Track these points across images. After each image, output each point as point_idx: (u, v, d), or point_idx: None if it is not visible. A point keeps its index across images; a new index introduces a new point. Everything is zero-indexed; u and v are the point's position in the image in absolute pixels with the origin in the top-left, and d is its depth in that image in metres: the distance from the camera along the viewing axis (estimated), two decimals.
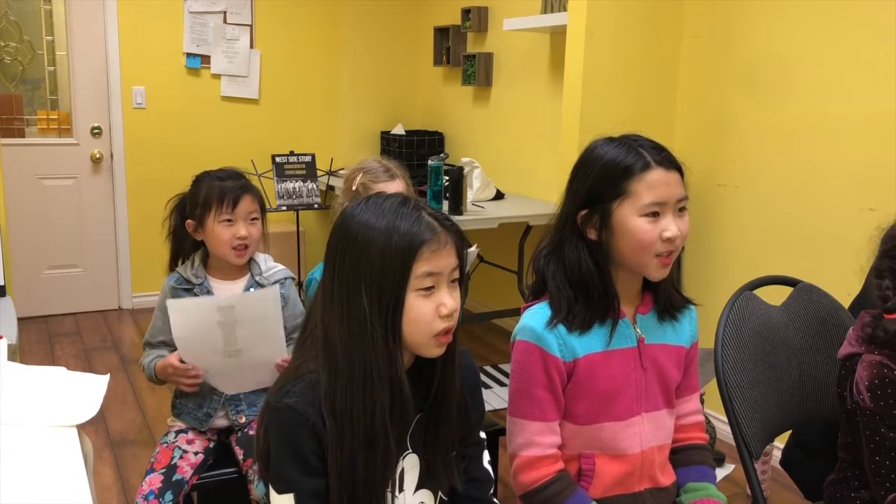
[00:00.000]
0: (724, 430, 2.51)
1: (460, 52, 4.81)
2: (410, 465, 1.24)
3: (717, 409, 1.69)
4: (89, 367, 3.94)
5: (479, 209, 3.81)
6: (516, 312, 4.08)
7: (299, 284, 4.04)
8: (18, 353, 2.21)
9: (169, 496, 1.82)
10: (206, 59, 4.91)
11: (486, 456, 1.37)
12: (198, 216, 1.96)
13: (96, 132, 4.76)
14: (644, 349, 1.44)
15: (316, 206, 4.35)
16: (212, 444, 2.02)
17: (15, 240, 4.05)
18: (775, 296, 1.81)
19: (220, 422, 2.03)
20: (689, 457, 1.54)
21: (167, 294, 2.00)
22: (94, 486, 1.35)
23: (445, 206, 3.65)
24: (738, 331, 1.67)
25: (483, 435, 1.37)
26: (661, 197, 1.34)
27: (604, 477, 1.43)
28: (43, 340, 4.37)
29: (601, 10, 3.08)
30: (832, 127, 2.74)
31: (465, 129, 4.95)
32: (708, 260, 3.23)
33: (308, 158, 4.34)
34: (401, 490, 1.24)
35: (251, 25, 4.99)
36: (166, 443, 1.97)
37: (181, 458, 1.92)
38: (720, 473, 2.74)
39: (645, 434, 1.45)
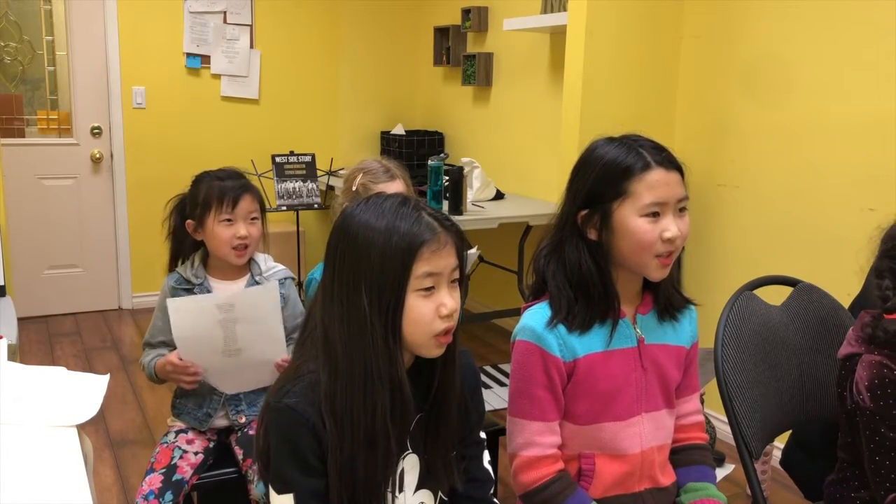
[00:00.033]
0: (724, 430, 2.51)
1: (460, 52, 4.81)
2: (410, 466, 1.24)
3: (717, 409, 1.70)
4: (89, 367, 3.94)
5: (479, 209, 3.81)
6: (516, 312, 4.08)
7: (299, 284, 4.04)
8: (18, 353, 2.21)
9: (169, 496, 1.82)
10: (206, 59, 4.91)
11: (486, 456, 1.37)
12: (198, 216, 1.96)
13: (96, 132, 4.76)
14: (644, 349, 1.44)
15: (316, 206, 4.35)
16: (212, 444, 2.02)
17: (15, 240, 4.05)
18: (775, 296, 1.81)
19: (220, 422, 2.03)
20: (689, 457, 1.54)
21: (167, 294, 1.99)
22: (94, 486, 1.35)
23: (445, 206, 3.65)
24: (738, 331, 1.67)
25: (483, 435, 1.37)
26: (662, 197, 1.34)
27: (604, 477, 1.43)
28: (43, 340, 4.37)
29: (601, 10, 3.08)
30: (832, 127, 2.74)
31: (465, 129, 4.95)
32: (708, 260, 3.23)
33: (308, 158, 4.34)
34: (401, 490, 1.24)
35: (251, 25, 4.99)
36: (166, 443, 1.97)
37: (181, 458, 1.92)
38: (720, 473, 2.74)
39: (645, 434, 1.45)
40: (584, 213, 1.39)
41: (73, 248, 4.81)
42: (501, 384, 3.77)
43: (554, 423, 1.41)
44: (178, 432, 2.01)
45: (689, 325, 1.52)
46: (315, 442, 1.14)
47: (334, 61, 5.25)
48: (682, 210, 1.38)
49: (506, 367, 3.99)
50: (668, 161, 1.36)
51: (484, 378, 3.82)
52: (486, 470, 1.36)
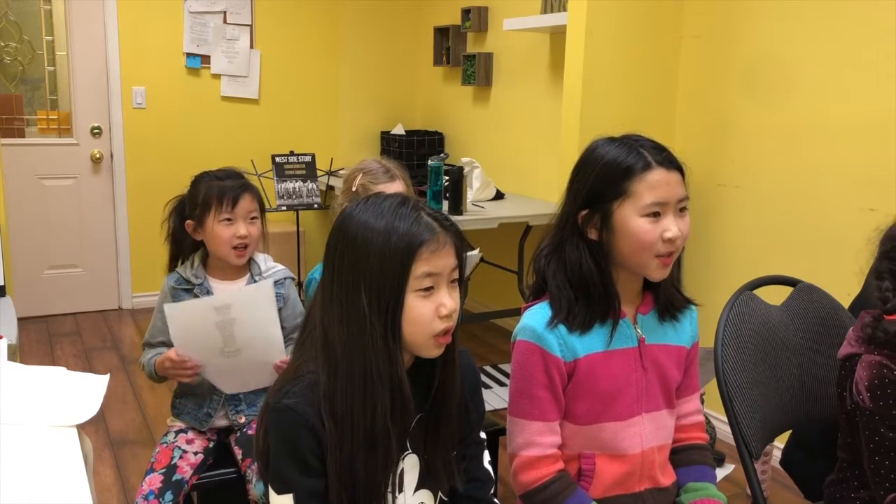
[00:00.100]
0: (724, 430, 2.51)
1: (460, 52, 4.81)
2: (410, 466, 1.24)
3: (717, 409, 1.70)
4: (89, 367, 3.94)
5: (479, 209, 3.81)
6: (516, 312, 4.08)
7: (299, 284, 4.04)
8: (18, 353, 2.21)
9: (169, 496, 1.82)
10: (206, 59, 4.91)
11: (486, 456, 1.37)
12: (197, 216, 1.96)
13: (96, 132, 4.76)
14: (645, 349, 1.44)
15: (316, 206, 4.35)
16: (211, 444, 2.02)
17: (15, 240, 4.05)
18: (775, 296, 1.81)
19: (220, 422, 2.03)
20: (689, 457, 1.54)
21: (167, 294, 2.00)
22: (94, 486, 1.35)
23: (445, 206, 3.65)
24: (738, 331, 1.67)
25: (483, 435, 1.37)
26: (662, 197, 1.34)
27: (604, 477, 1.43)
28: (43, 340, 4.37)
29: (601, 10, 3.08)
30: (832, 127, 2.74)
31: (465, 129, 4.95)
32: (708, 260, 3.23)
33: (308, 158, 4.34)
34: (400, 490, 1.24)
35: (251, 25, 5.00)
36: (166, 443, 1.97)
37: (181, 458, 1.92)
38: (720, 473, 2.74)
39: (645, 434, 1.45)
40: (584, 213, 1.39)
41: (73, 248, 4.81)
42: (501, 384, 3.77)
43: (554, 423, 1.41)
44: (177, 432, 2.01)
45: (689, 325, 1.52)
46: (315, 442, 1.14)
47: (334, 61, 5.25)
48: (682, 210, 1.38)
49: (506, 367, 3.99)
50: (669, 161, 1.36)
51: (484, 378, 3.82)
52: (487, 470, 1.36)
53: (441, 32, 4.99)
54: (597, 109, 3.13)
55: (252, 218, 1.98)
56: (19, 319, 2.50)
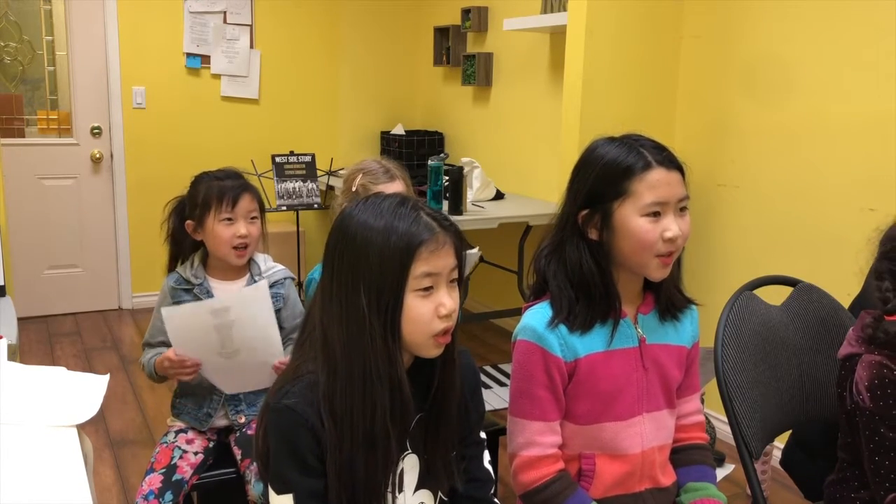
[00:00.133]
0: (724, 430, 2.51)
1: (460, 52, 4.81)
2: (410, 466, 1.24)
3: (717, 409, 1.70)
4: (89, 367, 3.94)
5: (479, 209, 3.81)
6: (516, 312, 4.08)
7: (299, 284, 4.04)
8: (18, 353, 2.21)
9: (169, 496, 1.82)
10: (206, 59, 4.91)
11: (486, 456, 1.37)
12: (197, 216, 1.96)
13: (96, 132, 4.76)
14: (645, 349, 1.44)
15: (316, 206, 4.35)
16: (211, 444, 2.02)
17: (15, 240, 4.05)
18: (775, 296, 1.81)
19: (220, 421, 2.03)
20: (689, 457, 1.54)
21: (166, 294, 2.00)
22: (94, 486, 1.35)
23: (445, 206, 3.65)
24: (738, 331, 1.67)
25: (483, 435, 1.37)
26: (663, 197, 1.34)
27: (604, 477, 1.43)
28: (43, 340, 4.37)
29: (601, 10, 3.08)
30: (832, 127, 2.74)
31: (465, 129, 4.95)
32: (708, 260, 3.23)
33: (308, 158, 4.34)
34: (400, 490, 1.24)
35: (251, 25, 5.00)
36: (166, 443, 1.97)
37: (181, 457, 1.92)
38: (720, 473, 2.74)
39: (646, 434, 1.45)
40: (584, 212, 1.39)
41: (73, 248, 4.81)
42: (501, 384, 3.77)
43: (554, 422, 1.41)
44: (177, 432, 2.01)
45: (690, 325, 1.52)
46: (314, 442, 1.14)
47: (334, 61, 5.25)
48: (682, 210, 1.38)
49: (506, 367, 3.99)
50: (669, 160, 1.36)
51: (484, 378, 3.82)
52: (487, 470, 1.36)
53: (441, 32, 4.99)
54: (597, 109, 3.13)
55: (252, 218, 1.98)
56: (19, 319, 2.51)
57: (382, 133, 5.28)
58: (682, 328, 1.50)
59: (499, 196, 4.14)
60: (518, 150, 4.45)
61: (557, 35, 3.99)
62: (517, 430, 1.42)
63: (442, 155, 3.98)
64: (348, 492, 1.15)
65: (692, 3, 3.25)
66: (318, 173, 4.40)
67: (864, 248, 1.55)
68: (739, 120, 3.09)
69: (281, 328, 2.01)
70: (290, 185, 4.29)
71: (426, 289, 1.14)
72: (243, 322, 1.77)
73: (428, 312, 1.14)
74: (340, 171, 4.69)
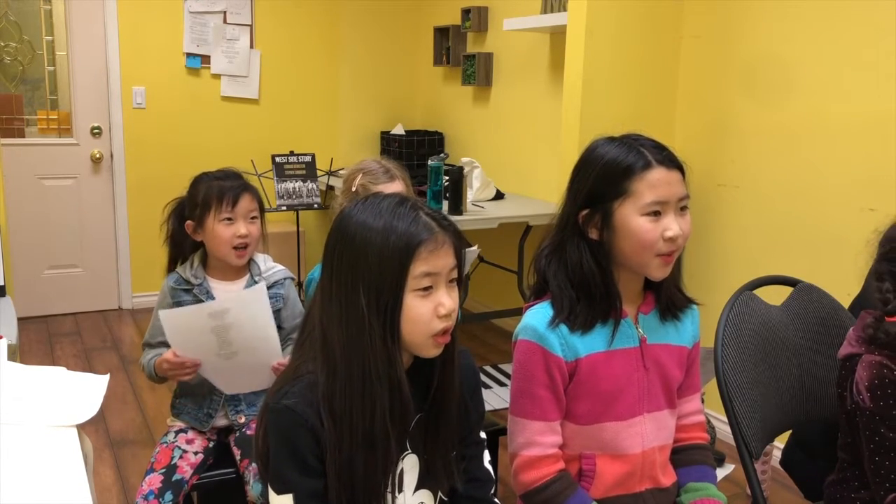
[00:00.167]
0: (724, 430, 2.51)
1: (460, 52, 4.81)
2: (410, 466, 1.24)
3: (717, 409, 1.70)
4: (89, 367, 3.94)
5: (479, 209, 3.81)
6: (516, 312, 4.09)
7: (299, 285, 4.04)
8: (18, 353, 2.21)
9: (169, 496, 1.82)
10: (206, 59, 4.91)
11: (486, 456, 1.37)
12: (197, 216, 1.95)
13: (96, 132, 4.76)
14: (646, 349, 1.44)
15: (316, 206, 4.35)
16: (211, 444, 2.02)
17: (15, 240, 4.05)
18: (775, 296, 1.81)
19: (220, 421, 2.03)
20: (689, 457, 1.54)
21: (166, 294, 2.00)
22: (94, 486, 1.35)
23: (445, 206, 3.65)
24: (738, 331, 1.67)
25: (483, 435, 1.37)
26: (663, 196, 1.34)
27: (604, 477, 1.43)
28: (43, 340, 4.37)
29: (601, 10, 3.08)
30: (832, 127, 2.74)
31: (465, 129, 4.95)
32: (708, 260, 3.23)
33: (308, 158, 4.34)
34: (400, 490, 1.24)
35: (251, 25, 5.00)
36: (166, 443, 1.97)
37: (181, 457, 1.92)
38: (720, 473, 2.74)
39: (647, 434, 1.45)
40: (585, 212, 1.39)
41: (73, 248, 4.81)
42: (501, 384, 3.77)
43: (555, 422, 1.41)
44: (177, 432, 2.01)
45: (690, 325, 1.52)
46: (314, 442, 1.14)
47: (334, 61, 5.25)
48: (683, 209, 1.38)
49: (506, 367, 3.99)
50: (669, 160, 1.36)
51: (484, 378, 3.82)
52: (487, 470, 1.36)
53: (441, 32, 4.99)
54: (597, 109, 3.13)
55: (252, 217, 1.97)
56: (19, 319, 2.51)
57: (382, 133, 5.28)
58: (682, 328, 1.50)
59: (499, 196, 4.14)
60: (518, 150, 4.45)
61: (557, 35, 3.99)
62: (518, 430, 1.42)
63: (442, 155, 3.98)
64: (348, 492, 1.15)
65: (692, 3, 3.25)
66: (318, 173, 4.40)
67: (864, 249, 1.55)
68: (739, 120, 3.09)
69: (281, 328, 2.01)
70: (290, 185, 4.29)
71: (425, 288, 1.14)
72: (241, 324, 1.77)
73: (427, 312, 1.14)
74: (340, 171, 4.69)
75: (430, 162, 3.64)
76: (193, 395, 2.01)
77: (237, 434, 2.02)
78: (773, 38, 2.93)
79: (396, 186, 2.02)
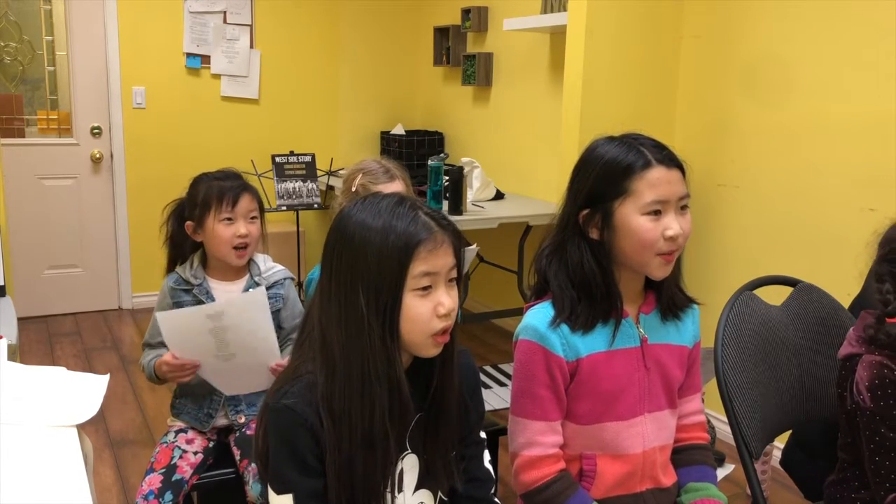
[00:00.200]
0: (724, 430, 2.51)
1: (460, 52, 4.81)
2: (410, 466, 1.24)
3: (717, 409, 1.70)
4: (89, 367, 3.94)
5: (479, 209, 3.81)
6: (516, 312, 4.09)
7: (299, 285, 4.04)
8: (18, 353, 2.21)
9: (168, 496, 1.82)
10: (206, 59, 4.91)
11: (486, 455, 1.37)
12: (197, 217, 1.95)
13: (96, 132, 4.76)
14: (647, 349, 1.44)
15: (316, 206, 4.35)
16: (211, 444, 2.02)
17: (15, 240, 4.05)
18: (775, 296, 1.81)
19: (221, 421, 2.03)
20: (690, 457, 1.54)
21: (166, 295, 2.00)
22: (94, 486, 1.35)
23: (445, 206, 3.65)
24: (738, 331, 1.67)
25: (483, 435, 1.37)
26: (663, 195, 1.34)
27: (605, 477, 1.43)
28: (43, 340, 4.37)
29: (601, 10, 3.08)
30: (832, 127, 2.74)
31: (465, 129, 4.95)
32: (708, 260, 3.23)
33: (308, 158, 4.34)
34: (400, 490, 1.24)
35: (251, 25, 4.99)
36: (166, 443, 1.97)
37: (181, 457, 1.92)
38: (720, 473, 2.74)
39: (647, 434, 1.45)
40: (585, 212, 1.38)
41: (73, 248, 4.81)
42: (501, 384, 3.77)
43: (556, 422, 1.41)
44: (177, 432, 2.00)
45: (691, 325, 1.52)
46: (313, 442, 1.14)
47: (334, 61, 5.25)
48: (683, 208, 1.37)
49: (506, 367, 3.99)
50: (669, 159, 1.36)
51: (484, 378, 3.82)
52: (487, 469, 1.35)
53: (441, 32, 4.99)
54: (597, 109, 3.13)
55: (252, 217, 1.97)
56: (19, 319, 2.51)
57: (382, 133, 5.28)
58: (683, 328, 1.50)
59: (499, 196, 4.14)
60: (518, 150, 4.45)
61: (557, 35, 3.99)
62: (518, 430, 1.42)
63: (442, 155, 3.98)
64: (347, 492, 1.15)
65: (692, 3, 3.25)
66: (318, 173, 4.40)
67: (863, 251, 1.55)
68: (739, 120, 3.09)
69: (281, 328, 2.01)
70: (290, 185, 4.29)
71: (425, 288, 1.14)
72: (239, 327, 1.77)
73: (427, 312, 1.14)
74: (340, 171, 4.69)
75: (430, 162, 3.64)
76: (193, 395, 2.01)
77: (237, 434, 2.02)
78: (773, 38, 2.93)
79: (396, 186, 2.02)
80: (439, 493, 1.28)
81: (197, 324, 1.75)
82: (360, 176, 2.04)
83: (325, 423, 1.13)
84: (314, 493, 1.15)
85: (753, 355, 1.68)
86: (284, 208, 4.28)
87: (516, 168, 4.46)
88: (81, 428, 1.51)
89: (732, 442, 1.64)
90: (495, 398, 3.58)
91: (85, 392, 1.62)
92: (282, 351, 1.90)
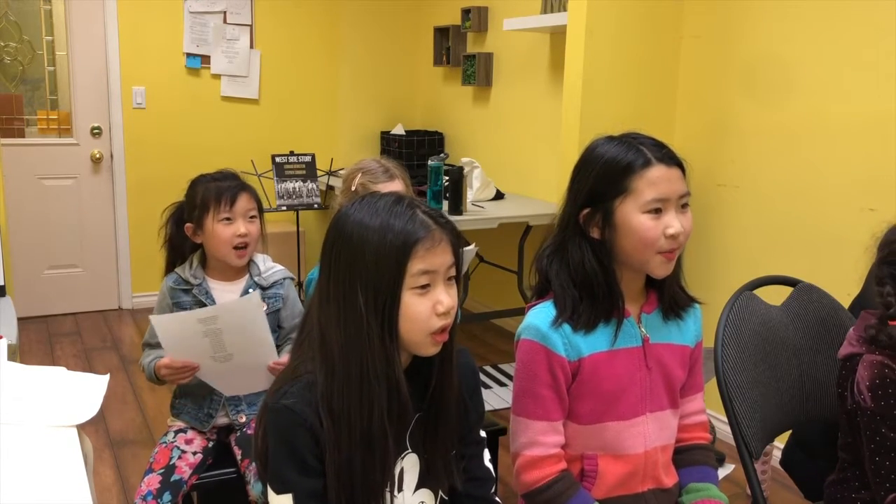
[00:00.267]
0: (724, 430, 2.51)
1: (460, 52, 4.81)
2: (410, 465, 1.24)
3: (717, 409, 1.70)
4: (89, 367, 3.94)
5: (479, 209, 3.81)
6: (516, 312, 4.09)
7: (299, 285, 4.04)
8: (18, 353, 2.21)
9: (167, 497, 1.82)
10: (206, 59, 4.91)
11: (486, 454, 1.37)
12: (196, 218, 1.95)
13: (96, 132, 4.76)
14: (649, 349, 1.44)
15: (316, 206, 4.35)
16: (210, 444, 2.02)
17: (15, 240, 4.05)
18: (775, 296, 1.81)
19: (221, 420, 2.03)
20: (691, 457, 1.54)
21: (165, 295, 2.00)
22: (94, 486, 1.35)
23: (445, 206, 3.65)
24: (738, 331, 1.67)
25: (483, 434, 1.37)
26: (663, 193, 1.34)
27: (607, 478, 1.43)
28: (43, 340, 4.37)
29: (601, 10, 3.08)
30: (832, 127, 2.74)
31: (465, 129, 4.95)
32: (708, 260, 3.23)
33: (308, 158, 4.34)
34: (399, 490, 1.23)
35: (251, 25, 4.99)
36: (165, 443, 1.97)
37: (179, 458, 1.92)
38: (720, 473, 2.73)
39: (649, 434, 1.45)
40: (586, 212, 1.38)
41: (73, 248, 4.81)
42: (501, 384, 3.77)
43: (557, 422, 1.41)
44: (177, 432, 2.00)
45: (693, 324, 1.52)
46: (313, 442, 1.14)
47: (334, 61, 5.25)
48: (684, 206, 1.37)
49: (506, 367, 3.99)
50: (669, 157, 1.36)
51: (483, 378, 3.82)
52: (487, 468, 1.35)
53: (441, 32, 4.99)
54: (597, 109, 3.13)
55: (251, 217, 1.97)
56: (19, 319, 2.50)
57: (382, 133, 5.28)
58: (685, 327, 1.50)
59: (499, 196, 4.14)
60: (518, 150, 4.44)
61: (557, 35, 3.99)
62: (520, 430, 1.42)
63: (442, 155, 3.98)
64: (347, 492, 1.15)
65: (692, 3, 3.25)
66: (318, 173, 4.40)
67: (862, 257, 1.54)
68: (739, 120, 3.09)
69: (280, 328, 2.01)
70: (290, 185, 4.29)
71: (423, 286, 1.13)
72: (234, 330, 1.76)
73: (425, 310, 1.14)
74: (340, 171, 4.69)
75: (430, 162, 3.64)
76: (193, 395, 2.01)
77: (238, 433, 2.01)
78: (773, 38, 2.93)
79: (396, 185, 2.02)
80: (440, 493, 1.28)
81: (191, 327, 1.75)
82: (360, 175, 2.04)
83: (325, 422, 1.13)
84: (314, 493, 1.15)
85: (753, 355, 1.68)
86: (284, 208, 4.28)
87: (516, 168, 4.46)
88: (81, 428, 1.51)
89: (732, 442, 1.64)
90: (495, 398, 3.58)
91: (85, 392, 1.62)
92: (282, 351, 1.90)
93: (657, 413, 1.46)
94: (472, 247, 2.11)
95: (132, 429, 3.27)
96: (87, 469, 1.37)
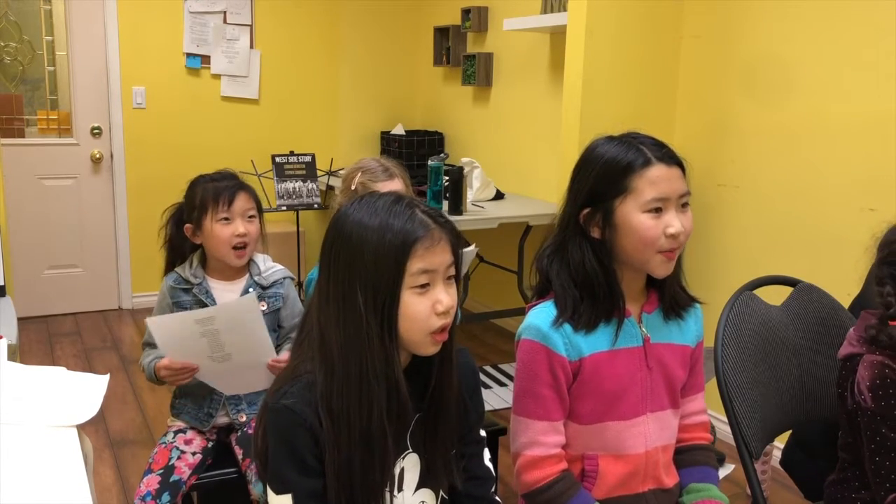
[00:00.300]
0: (724, 430, 2.51)
1: (460, 52, 4.81)
2: (411, 465, 1.24)
3: (717, 409, 1.69)
4: (89, 367, 3.94)
5: (479, 209, 3.81)
6: (516, 312, 4.09)
7: (299, 284, 4.04)
8: (18, 353, 2.21)
9: (166, 497, 1.81)
10: (206, 59, 4.91)
11: (486, 454, 1.37)
12: (195, 218, 1.95)
13: (96, 132, 4.76)
14: (650, 348, 1.44)
15: (316, 206, 4.35)
16: (210, 444, 2.02)
17: (15, 240, 4.05)
18: (775, 296, 1.81)
19: (222, 420, 2.03)
20: (692, 457, 1.53)
21: (165, 295, 2.00)
22: (94, 486, 1.35)
23: (445, 206, 3.65)
24: (738, 331, 1.67)
25: (483, 433, 1.36)
26: (663, 192, 1.34)
27: (607, 478, 1.43)
28: (43, 340, 4.37)
29: (601, 10, 3.08)
30: (832, 127, 2.74)
31: (465, 129, 4.95)
32: (708, 260, 3.23)
33: (308, 158, 4.34)
34: (400, 490, 1.23)
35: (251, 25, 4.99)
36: (164, 443, 1.97)
37: (179, 458, 1.92)
38: (720, 473, 2.73)
39: (650, 434, 1.44)
40: (586, 211, 1.38)
41: (73, 248, 4.81)
42: (501, 384, 3.77)
43: (558, 422, 1.41)
44: (176, 432, 2.00)
45: (694, 324, 1.51)
46: (312, 442, 1.14)
47: (334, 61, 5.25)
48: (684, 205, 1.37)
49: (506, 367, 3.99)
50: (669, 156, 1.36)
51: (483, 378, 3.82)
52: (487, 468, 1.35)
53: (441, 32, 4.99)
54: (597, 109, 3.13)
55: (250, 216, 1.97)
56: (19, 319, 2.50)
57: (382, 133, 5.28)
58: (686, 327, 1.50)
59: (499, 196, 4.14)
60: (518, 150, 4.44)
61: (557, 35, 3.99)
62: (521, 430, 1.42)
63: (442, 155, 3.98)
64: (347, 491, 1.15)
65: (692, 3, 3.25)
66: (318, 173, 4.40)
67: (863, 256, 1.54)
68: (739, 120, 3.09)
69: (280, 327, 2.01)
70: (290, 185, 4.29)
71: (423, 286, 1.13)
72: (231, 331, 1.76)
73: (425, 310, 1.13)
74: (340, 171, 4.69)
75: (430, 162, 3.64)
76: (193, 395, 2.01)
77: (238, 433, 2.01)
78: (773, 38, 2.93)
79: (395, 185, 2.02)
80: (440, 492, 1.28)
81: (188, 328, 1.75)
82: (360, 174, 2.04)
83: (324, 422, 1.13)
84: (313, 493, 1.15)
85: (753, 355, 1.68)
86: (284, 208, 4.28)
87: (516, 168, 4.46)
88: (81, 428, 1.51)
89: (732, 442, 1.64)
90: (495, 398, 3.58)
91: (85, 392, 1.62)
92: (281, 350, 1.90)
93: (658, 413, 1.46)
94: (472, 248, 2.11)
95: (132, 429, 3.27)
96: (87, 469, 1.37)
